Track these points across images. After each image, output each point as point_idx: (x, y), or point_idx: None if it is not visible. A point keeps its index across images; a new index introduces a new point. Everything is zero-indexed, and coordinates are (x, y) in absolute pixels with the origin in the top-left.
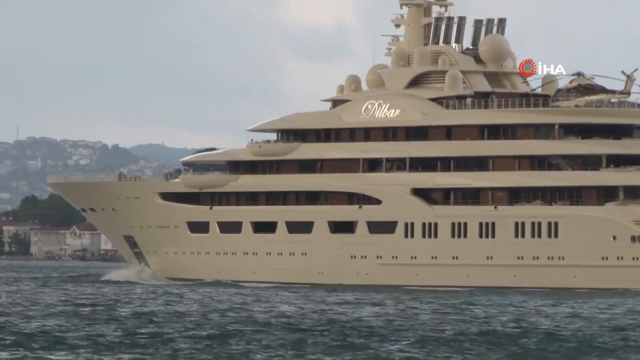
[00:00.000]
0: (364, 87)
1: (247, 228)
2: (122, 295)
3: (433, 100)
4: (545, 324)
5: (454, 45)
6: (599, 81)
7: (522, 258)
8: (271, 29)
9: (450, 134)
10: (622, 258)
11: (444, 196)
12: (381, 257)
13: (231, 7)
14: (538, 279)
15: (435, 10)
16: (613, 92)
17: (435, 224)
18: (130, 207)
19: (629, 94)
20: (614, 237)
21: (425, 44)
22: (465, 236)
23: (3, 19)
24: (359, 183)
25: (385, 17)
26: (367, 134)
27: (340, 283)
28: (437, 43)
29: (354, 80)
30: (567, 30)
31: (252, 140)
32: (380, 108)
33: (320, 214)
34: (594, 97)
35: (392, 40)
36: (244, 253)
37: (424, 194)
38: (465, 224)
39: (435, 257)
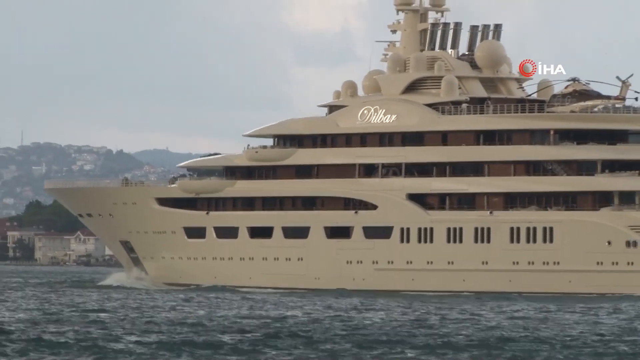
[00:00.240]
0: (360, 92)
1: (243, 233)
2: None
3: (429, 105)
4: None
5: (450, 51)
6: (594, 87)
7: (518, 263)
8: (276, 34)
9: (446, 140)
10: (617, 263)
11: (440, 201)
12: (377, 262)
13: (236, 13)
14: (533, 284)
15: (432, 16)
16: (608, 97)
17: (431, 229)
18: (127, 212)
19: (624, 99)
20: (609, 242)
21: (421, 50)
22: (460, 241)
23: (8, 25)
24: (355, 188)
25: (389, 22)
26: (363, 139)
27: (338, 288)
28: (433, 49)
29: (350, 86)
30: (569, 35)
31: (248, 145)
32: (376, 113)
33: (317, 219)
34: (589, 103)
35: (388, 46)
36: (241, 258)
37: (420, 199)
38: (461, 229)
39: (431, 262)
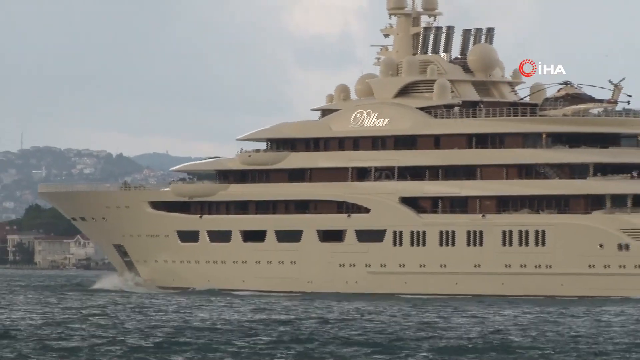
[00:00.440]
0: (353, 96)
1: (236, 237)
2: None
3: (422, 109)
4: None
5: (442, 54)
6: (586, 90)
7: (510, 266)
8: (276, 38)
9: (438, 143)
10: (609, 266)
11: (432, 205)
12: (370, 265)
13: (236, 16)
14: (525, 287)
15: (424, 20)
16: (600, 101)
17: (424, 233)
18: (120, 216)
19: (616, 102)
20: (601, 245)
21: (414, 54)
22: (453, 244)
23: (8, 27)
24: (348, 192)
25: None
26: (356, 143)
27: (330, 291)
28: (426, 52)
29: (343, 90)
30: (569, 36)
31: (241, 149)
32: (369, 117)
33: (310, 223)
34: (581, 106)
35: (381, 49)
36: (234, 262)
37: (413, 203)
38: (453, 232)
39: (424, 266)
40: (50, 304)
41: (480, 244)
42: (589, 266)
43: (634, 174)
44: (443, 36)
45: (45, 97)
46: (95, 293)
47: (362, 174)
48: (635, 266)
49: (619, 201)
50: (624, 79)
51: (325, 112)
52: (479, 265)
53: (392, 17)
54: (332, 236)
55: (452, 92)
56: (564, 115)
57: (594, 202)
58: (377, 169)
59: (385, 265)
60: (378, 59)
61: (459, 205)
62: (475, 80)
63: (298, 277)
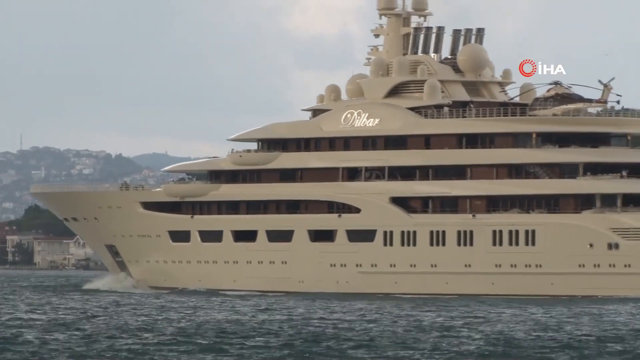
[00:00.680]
0: (344, 96)
1: (227, 237)
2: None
3: (412, 109)
4: None
5: (432, 55)
6: (576, 90)
7: (500, 266)
8: (276, 39)
9: (428, 143)
10: (598, 265)
11: (423, 205)
12: (361, 265)
13: (236, 17)
14: (516, 286)
15: (415, 20)
16: (590, 100)
17: (414, 232)
18: (112, 216)
19: (606, 102)
20: (591, 245)
21: (404, 54)
22: (443, 244)
23: (7, 29)
24: (339, 192)
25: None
26: (346, 143)
27: (321, 291)
28: (416, 53)
29: (334, 90)
30: (570, 36)
31: (232, 149)
32: (359, 117)
33: (300, 223)
34: (571, 106)
35: (371, 50)
36: (225, 262)
37: (403, 203)
38: (444, 232)
39: (414, 265)
40: (48, 304)
41: (471, 244)
42: (579, 266)
43: (624, 173)
44: (433, 36)
45: (44, 97)
46: (87, 293)
47: (352, 174)
48: (625, 265)
49: (608, 201)
50: (613, 78)
51: (316, 112)
52: (470, 265)
53: (383, 17)
54: (323, 236)
55: (443, 92)
56: (554, 115)
57: (583, 202)
58: (367, 169)
59: (375, 265)
60: (368, 59)
61: (449, 205)
62: (466, 80)
63: (289, 277)
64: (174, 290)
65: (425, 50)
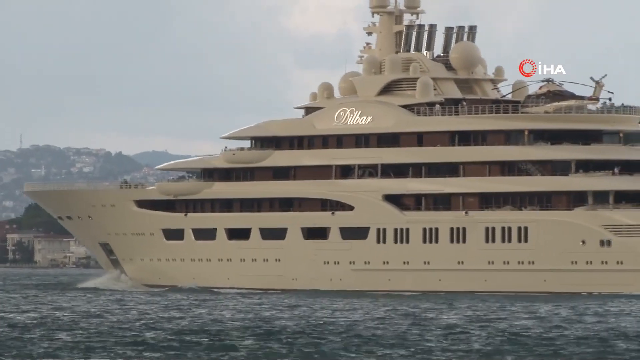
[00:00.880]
0: (337, 94)
1: (221, 235)
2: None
3: (404, 107)
4: None
5: (425, 52)
6: (568, 87)
7: (493, 263)
8: (275, 38)
9: (421, 141)
10: (591, 262)
11: (416, 202)
12: (354, 262)
13: (235, 17)
14: (508, 283)
15: (407, 18)
16: (582, 97)
17: (407, 230)
18: (106, 214)
19: (597, 99)
20: (583, 242)
21: (397, 52)
22: (436, 241)
23: (7, 28)
24: (332, 189)
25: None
26: (339, 140)
27: (315, 289)
28: (409, 50)
29: (327, 88)
30: (569, 38)
31: (226, 147)
32: (352, 115)
33: (294, 221)
34: (563, 103)
35: (364, 47)
36: (219, 259)
37: (396, 200)
38: (437, 229)
39: (407, 263)
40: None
41: (464, 241)
42: (572, 262)
43: (616, 170)
44: (425, 34)
45: (44, 96)
46: (82, 291)
47: (345, 171)
48: (618, 262)
49: (601, 198)
50: (605, 75)
51: (309, 110)
52: (462, 262)
53: (375, 15)
54: (316, 234)
55: (435, 89)
56: (546, 112)
57: (576, 199)
58: (360, 166)
59: (369, 263)
60: (361, 57)
61: (442, 202)
62: (458, 77)
63: (283, 275)
64: (169, 288)
65: (418, 48)
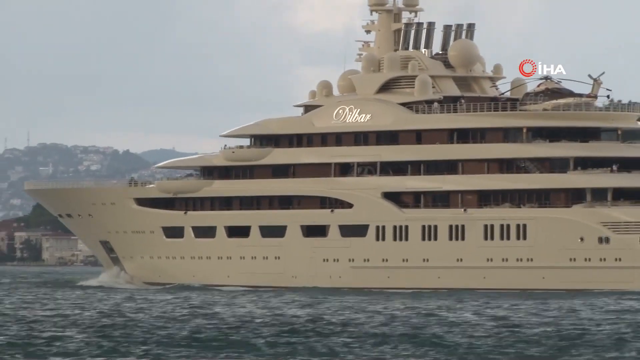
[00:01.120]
0: (336, 92)
1: (221, 232)
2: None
3: (403, 105)
4: None
5: (423, 50)
6: (566, 85)
7: (492, 260)
8: (281, 35)
9: (420, 138)
10: (589, 259)
11: (415, 199)
12: (353, 260)
13: (241, 14)
14: (507, 280)
15: (405, 16)
16: (580, 95)
17: (406, 227)
18: (106, 212)
19: (596, 97)
20: (582, 239)
21: (395, 50)
22: (435, 239)
23: (13, 26)
24: (331, 187)
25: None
26: (338, 138)
27: (314, 286)
28: (407, 48)
29: (326, 86)
30: (569, 38)
31: (225, 145)
32: (351, 113)
33: (293, 218)
34: (561, 101)
35: (362, 46)
36: (218, 257)
37: (395, 198)
38: (436, 226)
39: (406, 260)
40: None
41: (462, 238)
42: (570, 259)
43: (614, 167)
44: (424, 32)
45: (52, 95)
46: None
47: (344, 169)
48: (616, 259)
49: (599, 195)
50: (603, 73)
51: (308, 108)
52: (461, 260)
53: (374, 13)
54: (315, 231)
55: (433, 87)
56: (544, 110)
57: (574, 196)
58: (359, 164)
59: (368, 260)
60: (360, 55)
61: (440, 199)
62: (456, 75)
63: (282, 272)
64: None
65: (416, 46)
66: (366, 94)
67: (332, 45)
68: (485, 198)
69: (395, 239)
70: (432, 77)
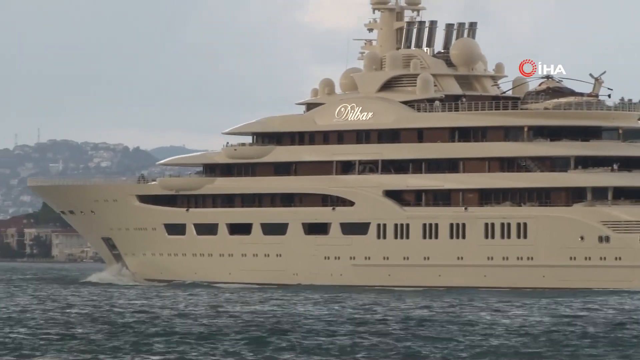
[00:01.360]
0: (338, 90)
1: (223, 230)
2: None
3: (405, 103)
4: None
5: (425, 49)
6: (567, 84)
7: (492, 258)
8: (291, 33)
9: (421, 137)
10: (589, 258)
11: (416, 198)
12: (354, 257)
13: (250, 12)
14: (508, 279)
15: (408, 14)
16: (581, 94)
17: (407, 225)
18: (108, 209)
19: (597, 96)
20: (582, 238)
21: (398, 48)
22: (436, 237)
23: (26, 24)
24: (333, 185)
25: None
26: (340, 136)
27: (315, 284)
28: (409, 47)
29: (328, 84)
30: (569, 38)
31: (227, 143)
32: (353, 111)
33: (295, 216)
34: (562, 100)
35: (365, 44)
36: (220, 254)
37: (396, 196)
38: (437, 225)
39: (407, 258)
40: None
41: (463, 237)
42: (570, 258)
43: (615, 166)
44: (426, 31)
45: (62, 91)
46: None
47: (346, 167)
48: (616, 258)
49: (599, 194)
50: (604, 72)
51: (310, 106)
52: (462, 258)
53: (376, 11)
54: (317, 229)
55: (435, 86)
56: (545, 108)
57: (575, 195)
58: (361, 162)
59: (369, 258)
60: (362, 53)
61: (442, 198)
62: (458, 74)
63: (284, 270)
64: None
65: (418, 45)
66: (368, 92)
67: (342, 42)
68: (486, 196)
69: (396, 237)
70: (434, 75)
